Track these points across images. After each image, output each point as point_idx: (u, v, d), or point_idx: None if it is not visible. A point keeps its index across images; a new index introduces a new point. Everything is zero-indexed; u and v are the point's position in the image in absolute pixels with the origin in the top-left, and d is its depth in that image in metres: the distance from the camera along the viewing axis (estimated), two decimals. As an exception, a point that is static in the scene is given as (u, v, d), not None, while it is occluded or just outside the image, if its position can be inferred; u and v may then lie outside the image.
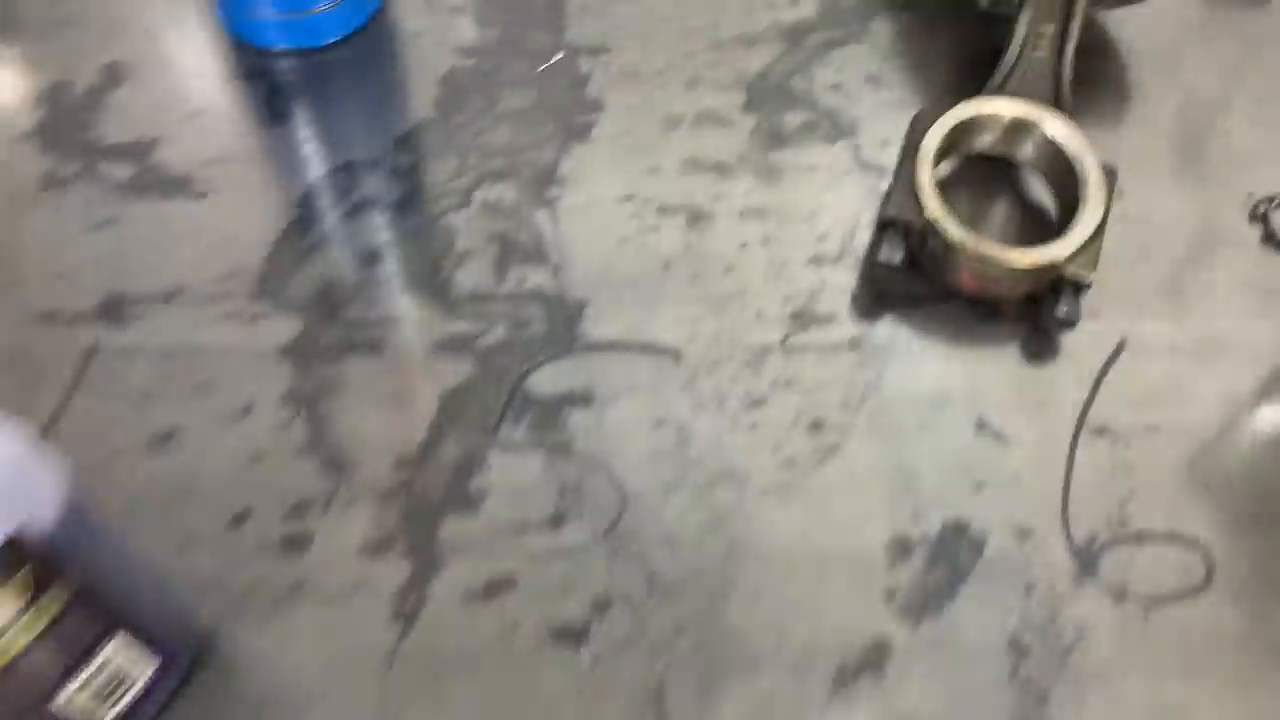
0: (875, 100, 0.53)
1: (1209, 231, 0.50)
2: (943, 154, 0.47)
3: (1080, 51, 0.50)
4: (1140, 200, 0.50)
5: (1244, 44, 0.56)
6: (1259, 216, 0.50)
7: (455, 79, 0.53)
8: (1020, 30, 0.50)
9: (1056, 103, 0.48)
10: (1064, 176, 0.47)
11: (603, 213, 0.49)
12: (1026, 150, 0.48)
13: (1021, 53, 0.49)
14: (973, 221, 0.49)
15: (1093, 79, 0.54)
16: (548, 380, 0.45)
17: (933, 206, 0.45)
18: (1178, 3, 0.52)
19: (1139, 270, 0.48)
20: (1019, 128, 0.48)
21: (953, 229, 0.44)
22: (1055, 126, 0.47)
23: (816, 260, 0.48)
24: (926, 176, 0.45)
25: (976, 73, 0.50)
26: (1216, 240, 0.49)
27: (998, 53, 0.50)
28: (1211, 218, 0.50)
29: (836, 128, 0.52)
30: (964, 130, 0.47)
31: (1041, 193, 0.50)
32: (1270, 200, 0.50)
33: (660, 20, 0.56)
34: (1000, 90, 0.48)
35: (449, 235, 0.48)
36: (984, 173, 0.50)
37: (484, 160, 0.50)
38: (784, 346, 0.46)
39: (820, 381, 0.45)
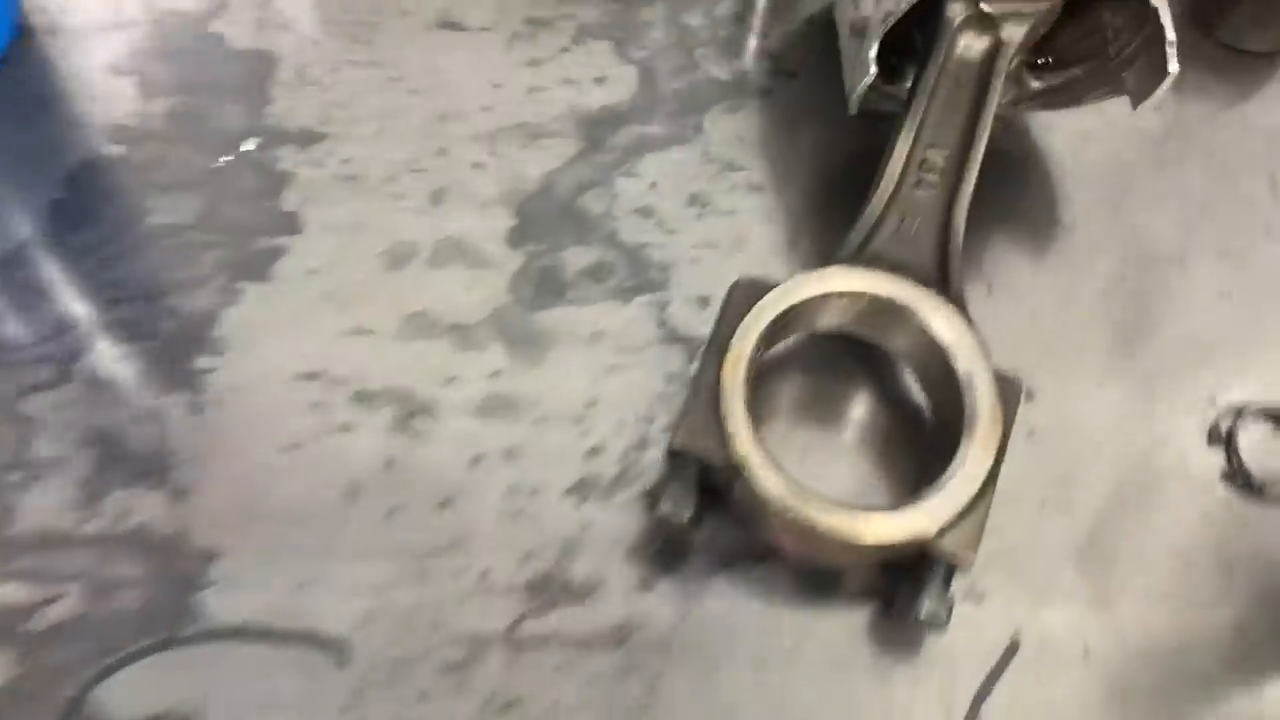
0: (699, 233, 0.38)
1: (1151, 459, 0.35)
2: (769, 341, 0.32)
3: (990, 158, 0.35)
4: (1057, 407, 0.35)
5: (1210, 171, 0.41)
6: (1221, 438, 0.35)
7: (91, 175, 0.36)
8: (898, 155, 0.34)
9: (942, 274, 0.33)
10: (944, 388, 0.32)
11: (269, 400, 0.33)
12: (895, 341, 0.33)
13: (897, 192, 0.34)
14: (820, 416, 0.34)
15: (1004, 204, 0.39)
16: (129, 695, 0.29)
17: (742, 441, 0.29)
18: (1127, 109, 0.36)
19: (1047, 523, 0.33)
20: (884, 311, 0.32)
21: (768, 480, 0.29)
22: (936, 319, 0.31)
23: (580, 490, 0.33)
24: (736, 393, 0.30)
25: (851, 190, 0.35)
26: (1161, 474, 0.34)
27: (880, 159, 0.35)
28: (1156, 437, 0.35)
29: (638, 275, 0.37)
30: (801, 313, 0.32)
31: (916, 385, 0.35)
32: (1237, 413, 0.36)
33: (407, 96, 0.39)
34: (860, 252, 0.33)
35: (22, 434, 0.32)
36: (837, 347, 0.35)
37: (104, 308, 0.34)
38: (513, 639, 0.30)
39: (558, 707, 0.30)
